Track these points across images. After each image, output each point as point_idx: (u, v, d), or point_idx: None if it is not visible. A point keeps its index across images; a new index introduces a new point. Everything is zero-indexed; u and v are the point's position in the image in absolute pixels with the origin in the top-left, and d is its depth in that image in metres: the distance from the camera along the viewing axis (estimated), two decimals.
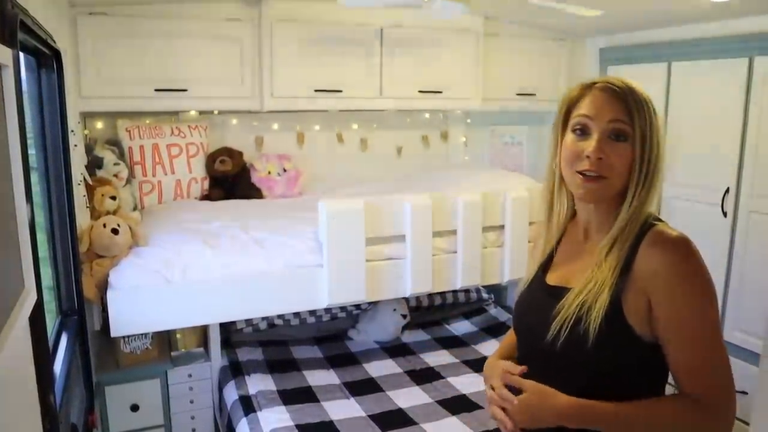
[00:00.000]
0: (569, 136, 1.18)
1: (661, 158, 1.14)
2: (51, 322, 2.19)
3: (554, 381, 1.16)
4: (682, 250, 1.09)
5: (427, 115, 4.27)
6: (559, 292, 1.20)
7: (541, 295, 1.25)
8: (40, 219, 2.20)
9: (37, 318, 1.30)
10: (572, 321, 1.12)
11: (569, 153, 1.17)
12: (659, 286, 1.08)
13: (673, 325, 1.08)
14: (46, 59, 2.10)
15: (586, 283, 1.14)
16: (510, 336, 1.44)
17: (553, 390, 1.13)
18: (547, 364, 1.18)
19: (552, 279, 1.27)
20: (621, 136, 1.12)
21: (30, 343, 1.28)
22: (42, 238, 2.21)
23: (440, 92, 3.76)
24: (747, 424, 2.31)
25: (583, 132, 1.16)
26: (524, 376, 1.27)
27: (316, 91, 3.48)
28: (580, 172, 1.15)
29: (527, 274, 1.35)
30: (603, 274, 1.13)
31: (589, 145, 1.13)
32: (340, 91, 3.53)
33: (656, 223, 1.14)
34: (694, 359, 1.08)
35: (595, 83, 1.18)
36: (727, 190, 3.06)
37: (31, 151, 2.16)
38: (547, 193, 1.30)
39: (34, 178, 2.16)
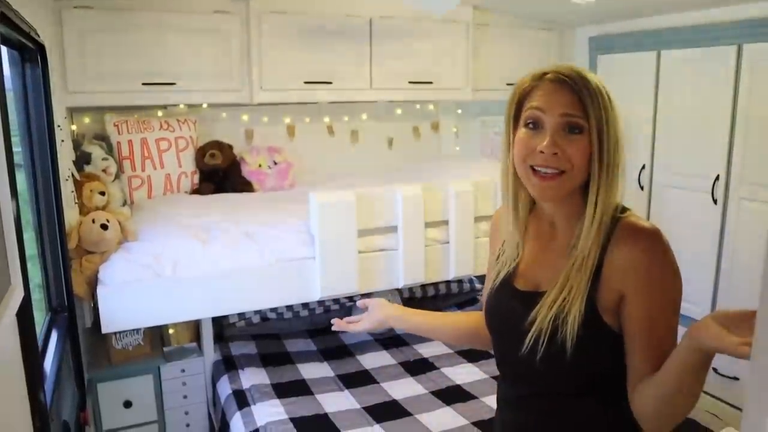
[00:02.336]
0: (521, 131, 1.12)
1: (621, 148, 1.08)
2: (40, 319, 2.18)
3: (534, 385, 1.17)
4: (655, 243, 1.05)
5: (417, 106, 4.27)
6: (531, 297, 1.14)
7: (512, 301, 1.20)
8: (28, 216, 2.17)
9: (24, 314, 1.28)
10: (548, 333, 1.08)
11: (522, 148, 1.11)
12: (633, 281, 1.05)
13: (645, 318, 1.05)
14: (30, 53, 2.07)
15: (561, 289, 1.09)
16: (470, 314, 1.45)
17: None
18: (526, 371, 1.16)
19: (521, 283, 1.20)
20: (575, 128, 1.06)
21: (18, 340, 1.26)
22: (30, 235, 2.19)
23: (430, 83, 3.75)
24: (740, 409, 2.33)
25: (535, 126, 1.10)
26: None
27: (305, 83, 3.46)
28: (534, 169, 1.09)
29: (493, 275, 1.27)
30: (578, 280, 1.08)
31: (543, 140, 1.07)
32: (330, 82, 3.51)
33: (622, 216, 1.10)
34: (659, 351, 1.05)
35: (545, 73, 1.11)
36: (717, 178, 3.07)
37: (17, 149, 2.14)
38: (506, 193, 1.21)
39: (21, 175, 2.14)
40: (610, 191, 1.08)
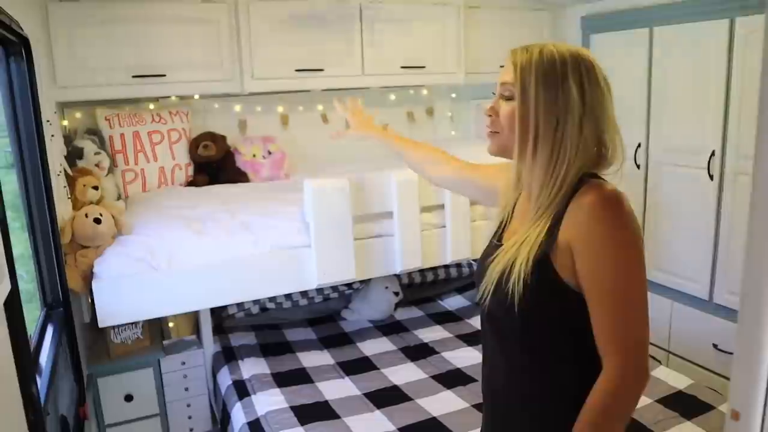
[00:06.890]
0: None
1: (552, 115, 1.12)
2: (35, 314, 2.17)
3: (495, 338, 1.25)
4: (609, 202, 1.08)
5: (411, 92, 4.24)
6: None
7: (492, 252, 1.26)
8: (20, 213, 2.17)
9: (12, 306, 1.27)
10: (496, 279, 1.15)
11: None
12: (582, 237, 1.08)
13: (592, 277, 1.08)
14: (14, 47, 2.05)
15: (514, 242, 1.17)
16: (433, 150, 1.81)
17: None
18: (488, 323, 1.26)
19: (505, 237, 1.28)
20: (508, 95, 1.18)
21: (6, 331, 1.25)
22: (22, 231, 2.19)
23: (423, 67, 3.72)
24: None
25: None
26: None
27: (297, 70, 3.43)
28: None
29: (490, 232, 1.37)
30: (533, 232, 1.14)
31: None
32: (322, 69, 3.48)
33: (590, 180, 1.13)
34: (611, 315, 1.07)
35: None
36: (713, 153, 3.05)
37: (7, 150, 2.13)
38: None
39: (10, 175, 2.13)
40: (542, 154, 1.14)
